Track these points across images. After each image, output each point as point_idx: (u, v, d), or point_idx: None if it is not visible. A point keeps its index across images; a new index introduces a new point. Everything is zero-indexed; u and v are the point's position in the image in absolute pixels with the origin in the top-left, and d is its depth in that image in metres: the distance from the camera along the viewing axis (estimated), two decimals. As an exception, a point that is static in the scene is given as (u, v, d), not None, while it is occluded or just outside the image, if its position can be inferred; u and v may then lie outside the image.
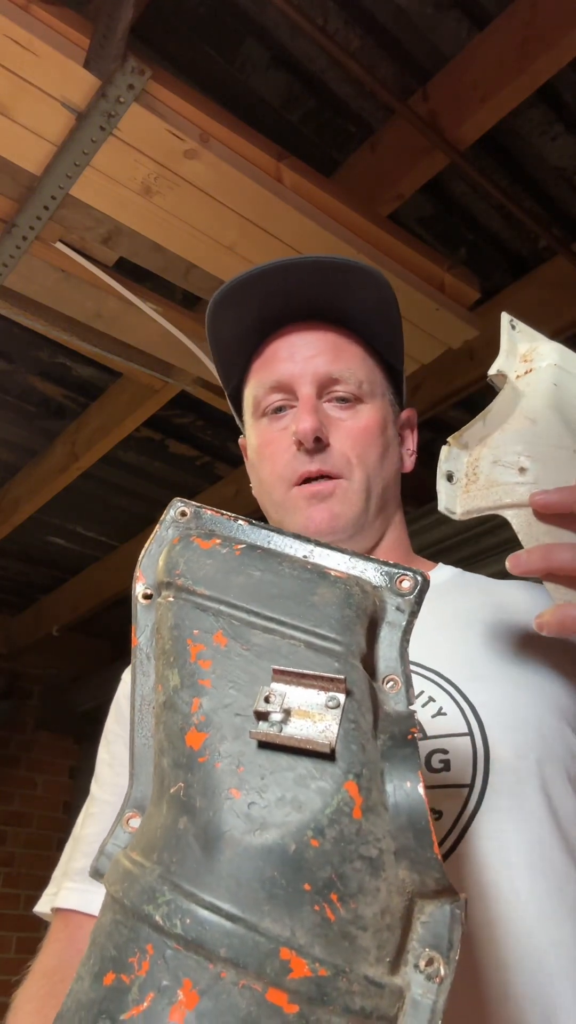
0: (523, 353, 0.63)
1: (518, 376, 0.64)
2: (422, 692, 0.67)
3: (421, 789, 0.39)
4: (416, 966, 0.37)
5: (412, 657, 0.68)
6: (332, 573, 0.46)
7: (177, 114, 1.51)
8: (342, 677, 0.40)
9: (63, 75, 1.41)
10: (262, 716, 0.40)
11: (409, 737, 0.41)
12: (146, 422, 2.64)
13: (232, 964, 0.35)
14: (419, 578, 0.46)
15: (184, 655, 0.44)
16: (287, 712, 0.40)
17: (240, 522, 0.50)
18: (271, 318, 0.83)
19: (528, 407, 0.61)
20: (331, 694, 0.40)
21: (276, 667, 0.41)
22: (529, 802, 0.61)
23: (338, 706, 0.40)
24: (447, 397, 2.44)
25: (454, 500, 0.61)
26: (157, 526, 0.51)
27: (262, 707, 0.40)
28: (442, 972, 0.37)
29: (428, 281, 1.90)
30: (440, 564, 0.87)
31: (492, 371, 0.64)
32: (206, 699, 0.42)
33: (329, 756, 0.39)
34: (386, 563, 0.47)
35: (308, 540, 0.49)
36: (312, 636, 0.43)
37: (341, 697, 0.40)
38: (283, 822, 0.37)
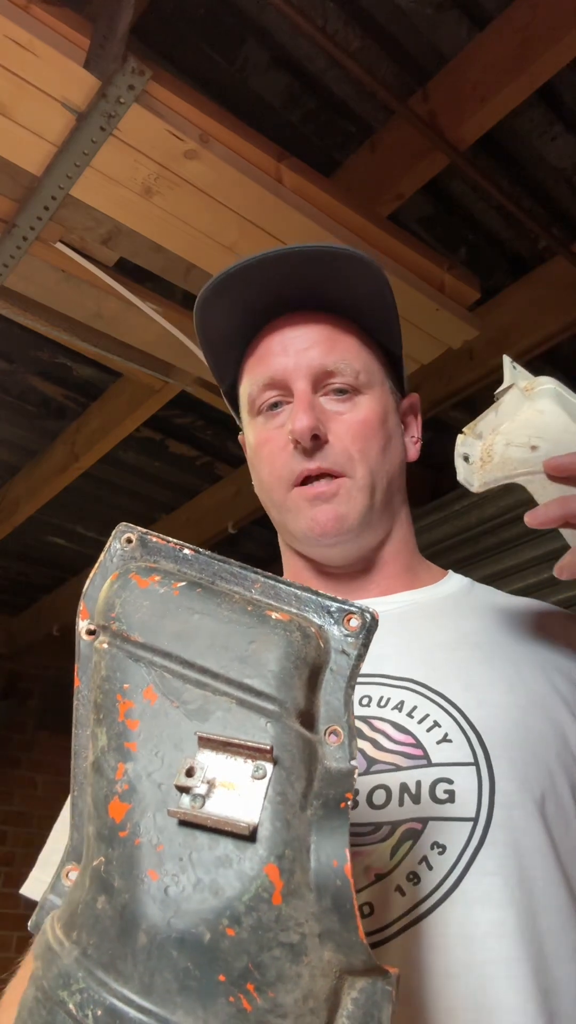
0: (524, 386, 0.69)
1: None
2: (427, 716, 0.65)
3: (347, 870, 0.37)
4: None
5: (420, 676, 0.68)
6: (273, 616, 0.43)
7: (177, 114, 1.51)
8: (268, 747, 0.38)
9: (63, 75, 1.41)
10: (184, 789, 0.38)
11: (342, 805, 0.39)
12: (146, 422, 2.64)
13: None
14: (368, 616, 0.44)
15: (113, 712, 0.42)
16: (210, 784, 0.38)
17: (186, 551, 0.47)
18: (262, 311, 0.80)
19: (536, 404, 0.68)
20: (258, 763, 0.39)
21: (201, 734, 0.39)
22: (532, 838, 0.60)
23: (264, 776, 0.38)
24: (447, 397, 2.44)
25: (472, 476, 0.67)
26: (103, 553, 0.48)
27: (183, 781, 0.38)
28: None
29: (428, 281, 1.90)
30: (451, 572, 0.84)
31: (499, 390, 0.70)
32: (131, 765, 0.40)
33: (249, 837, 0.37)
34: (335, 599, 0.45)
35: (256, 572, 0.46)
36: (245, 692, 0.41)
37: (268, 767, 0.38)
38: (198, 909, 0.36)
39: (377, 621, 0.44)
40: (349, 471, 0.75)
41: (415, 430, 0.86)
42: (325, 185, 1.73)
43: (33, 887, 0.76)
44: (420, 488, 2.93)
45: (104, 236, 1.80)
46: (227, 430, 2.86)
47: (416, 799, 0.60)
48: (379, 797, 0.61)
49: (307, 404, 0.75)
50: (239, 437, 0.91)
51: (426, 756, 0.62)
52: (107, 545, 0.48)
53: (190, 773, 0.39)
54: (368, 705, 0.67)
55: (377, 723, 0.65)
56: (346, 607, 0.44)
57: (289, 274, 0.77)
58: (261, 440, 0.80)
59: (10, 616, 4.38)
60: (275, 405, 0.79)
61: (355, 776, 0.40)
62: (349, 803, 0.39)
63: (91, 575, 0.48)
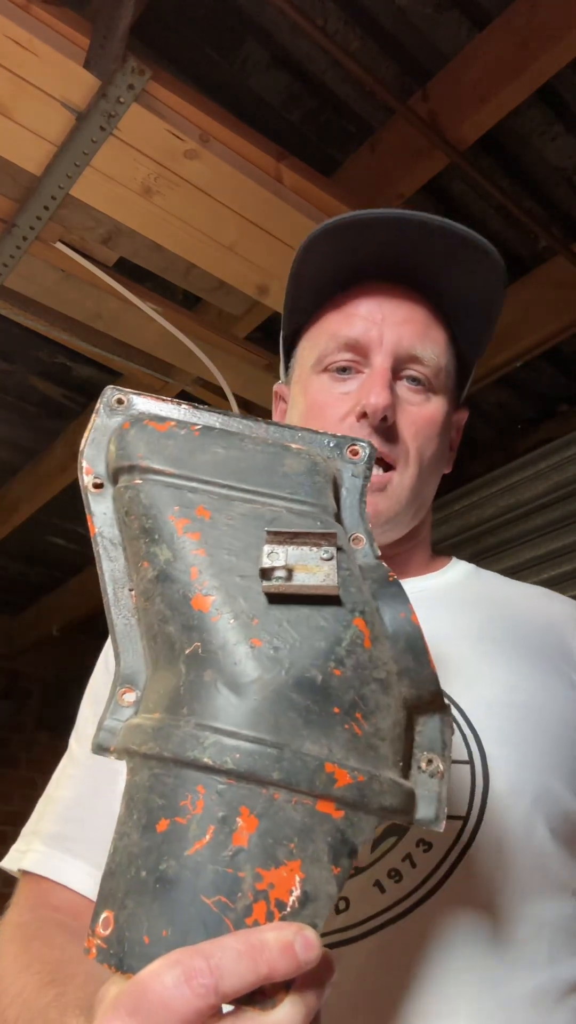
0: None
1: None
2: None
3: (414, 619, 0.44)
4: (420, 767, 0.43)
5: None
6: (293, 447, 0.50)
7: (177, 114, 1.51)
8: (334, 531, 0.44)
9: (63, 75, 1.41)
10: (267, 574, 0.43)
11: (391, 578, 0.46)
12: (146, 422, 2.64)
13: (284, 785, 0.38)
14: (367, 447, 0.51)
15: (170, 530, 0.46)
16: (289, 569, 0.43)
17: (183, 406, 0.52)
18: (365, 270, 0.75)
19: None
20: (325, 548, 0.44)
21: (270, 529, 0.44)
22: (520, 841, 0.59)
23: (332, 557, 0.44)
24: (447, 397, 2.44)
25: None
26: (93, 416, 0.51)
27: (267, 563, 0.43)
28: (441, 767, 0.43)
29: (428, 281, 1.89)
30: (454, 559, 0.83)
31: None
32: (205, 566, 0.44)
33: (336, 600, 0.43)
34: (334, 436, 0.52)
35: (255, 419, 0.51)
36: (291, 502, 0.47)
37: (333, 550, 0.44)
38: (308, 657, 0.41)
39: (375, 449, 0.51)
40: (402, 466, 0.73)
41: (455, 444, 0.84)
42: (325, 185, 1.72)
43: (12, 857, 0.73)
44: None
45: (104, 236, 1.80)
46: (227, 430, 2.85)
47: None
48: None
49: (386, 381, 0.71)
50: (275, 387, 0.86)
51: None
52: (96, 408, 0.52)
53: (270, 558, 0.44)
54: None
55: None
56: (347, 440, 0.52)
57: (409, 243, 0.72)
58: (319, 401, 0.75)
59: (10, 616, 4.38)
60: (344, 370, 0.75)
61: (385, 566, 0.47)
62: (395, 577, 0.46)
63: (86, 436, 0.51)
